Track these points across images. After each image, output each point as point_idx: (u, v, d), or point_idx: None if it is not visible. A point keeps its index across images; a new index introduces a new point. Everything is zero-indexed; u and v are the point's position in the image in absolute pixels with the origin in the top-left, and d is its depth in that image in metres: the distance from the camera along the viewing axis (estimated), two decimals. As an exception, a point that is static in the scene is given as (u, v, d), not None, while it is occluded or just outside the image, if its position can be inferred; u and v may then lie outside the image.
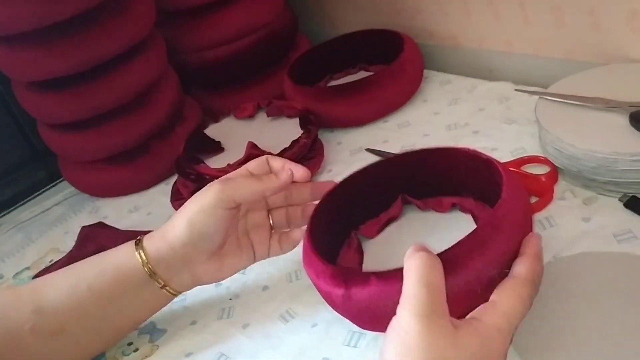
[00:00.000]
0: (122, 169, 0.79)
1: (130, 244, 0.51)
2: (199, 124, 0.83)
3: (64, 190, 0.89)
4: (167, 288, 0.51)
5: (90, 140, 0.76)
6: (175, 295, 0.52)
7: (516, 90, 0.69)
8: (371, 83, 0.76)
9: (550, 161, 0.58)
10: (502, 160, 0.61)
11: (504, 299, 0.37)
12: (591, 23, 0.65)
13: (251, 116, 0.80)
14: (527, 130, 0.66)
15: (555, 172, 0.57)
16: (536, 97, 0.62)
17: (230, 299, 0.57)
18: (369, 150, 0.73)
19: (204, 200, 0.48)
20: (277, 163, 0.52)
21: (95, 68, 0.71)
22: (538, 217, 0.54)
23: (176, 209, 0.56)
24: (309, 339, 0.50)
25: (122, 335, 0.54)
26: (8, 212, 0.88)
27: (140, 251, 0.50)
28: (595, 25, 0.65)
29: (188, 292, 0.59)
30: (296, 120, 0.75)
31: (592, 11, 0.64)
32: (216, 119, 0.82)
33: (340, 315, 0.50)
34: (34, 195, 0.91)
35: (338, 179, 0.69)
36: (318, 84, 0.89)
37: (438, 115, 0.76)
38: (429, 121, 0.75)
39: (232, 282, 0.59)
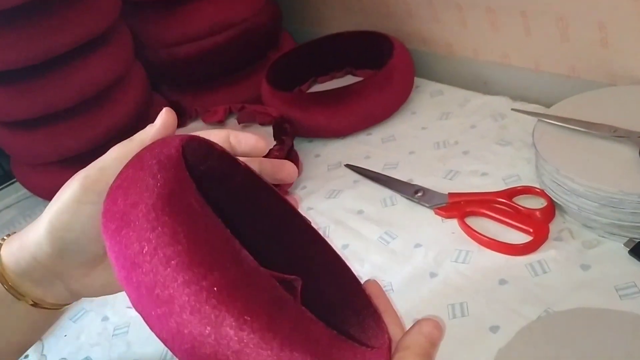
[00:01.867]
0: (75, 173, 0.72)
1: None
2: (167, 126, 0.76)
3: (18, 191, 0.82)
4: (44, 305, 0.38)
5: (41, 140, 0.69)
6: (60, 308, 0.39)
7: (513, 109, 0.62)
8: (355, 92, 0.69)
9: (547, 194, 0.51)
10: (493, 189, 0.55)
11: None
12: (599, 39, 0.58)
13: (221, 121, 0.73)
14: (523, 155, 0.59)
15: (552, 208, 0.51)
16: (535, 117, 0.55)
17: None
18: (348, 166, 0.66)
19: (65, 195, 0.34)
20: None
21: (47, 62, 0.64)
22: (530, 260, 0.47)
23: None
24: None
25: None
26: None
27: None
28: (604, 42, 0.58)
29: (132, 322, 0.53)
30: (269, 129, 0.68)
31: (601, 25, 0.57)
32: (183, 123, 0.74)
33: None
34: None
35: (312, 198, 0.63)
36: (300, 88, 0.82)
37: (426, 130, 0.69)
38: (416, 136, 0.69)
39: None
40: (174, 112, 0.36)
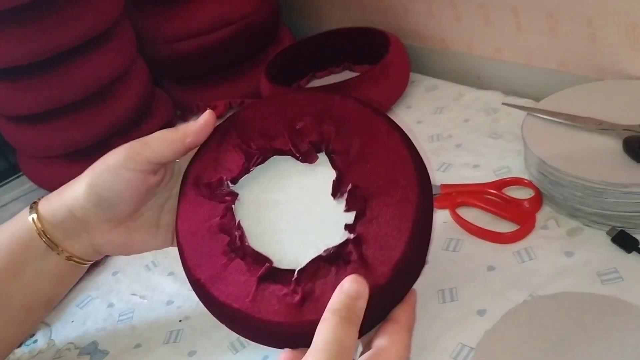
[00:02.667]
0: (81, 166, 0.73)
1: (25, 210, 0.44)
2: (169, 120, 0.78)
3: (24, 184, 0.84)
4: (71, 256, 0.44)
5: (46, 134, 0.71)
6: (85, 264, 0.46)
7: (503, 104, 0.64)
8: (352, 86, 0.71)
9: (534, 185, 0.53)
10: (484, 180, 0.57)
11: (394, 348, 0.34)
12: (588, 34, 0.60)
13: (221, 116, 0.75)
14: (513, 147, 0.61)
15: (539, 198, 0.53)
16: (524, 111, 0.57)
17: (180, 321, 0.53)
18: (345, 159, 0.68)
19: (110, 159, 0.40)
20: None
21: (53, 58, 0.66)
22: (517, 247, 0.49)
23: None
24: (257, 372, 0.46)
25: (37, 316, 0.47)
26: (-36, 205, 0.83)
27: (34, 216, 0.42)
28: (592, 37, 0.60)
29: (136, 309, 0.56)
30: (268, 123, 0.70)
31: (589, 22, 0.59)
32: (185, 118, 0.76)
33: None
34: (-5, 186, 0.87)
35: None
36: (299, 83, 0.84)
37: (421, 124, 0.71)
38: (412, 130, 0.70)
39: (185, 301, 0.55)
40: (214, 114, 0.42)
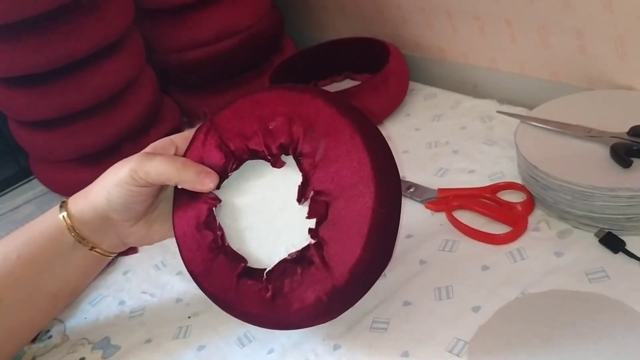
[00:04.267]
0: (91, 171, 0.75)
1: (56, 207, 0.49)
2: (176, 126, 0.81)
3: (35, 188, 0.86)
4: (97, 250, 0.49)
5: (59, 139, 0.74)
6: (110, 256, 0.51)
7: (498, 112, 0.67)
8: (353, 95, 0.74)
9: (526, 189, 0.56)
10: (479, 185, 0.59)
11: None
12: (578, 46, 0.63)
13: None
14: (507, 154, 0.64)
15: (531, 201, 0.56)
16: (517, 119, 0.60)
17: (189, 317, 0.55)
18: (346, 164, 0.71)
19: (118, 175, 0.46)
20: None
21: (66, 66, 0.69)
22: (509, 248, 0.52)
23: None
24: (263, 366, 0.49)
25: (62, 304, 0.52)
26: (-23, 207, 0.86)
27: (64, 214, 0.48)
28: (582, 49, 0.63)
29: (147, 306, 0.58)
30: (273, 130, 0.73)
31: (579, 34, 0.62)
32: (191, 124, 0.79)
33: (298, 341, 0.49)
34: (7, 190, 0.89)
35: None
36: (301, 90, 0.87)
37: (420, 131, 0.74)
38: (410, 137, 0.73)
39: (193, 299, 0.57)
40: (215, 183, 0.46)
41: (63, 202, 0.49)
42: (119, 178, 0.46)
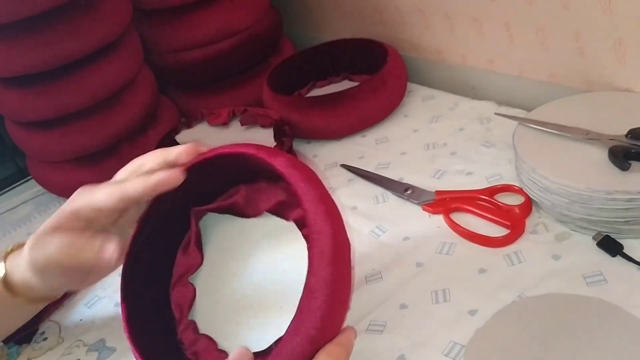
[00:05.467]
0: (89, 171, 0.76)
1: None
2: (174, 127, 0.80)
3: (33, 188, 0.86)
4: (45, 296, 0.48)
5: (56, 140, 0.73)
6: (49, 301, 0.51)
7: (496, 114, 0.67)
8: (351, 96, 0.74)
9: (524, 192, 0.56)
10: (477, 187, 0.59)
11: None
12: (576, 48, 0.63)
13: (225, 123, 0.78)
14: (505, 155, 0.63)
15: (529, 204, 0.55)
16: (515, 121, 0.60)
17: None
18: (344, 166, 0.71)
19: (26, 261, 0.43)
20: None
21: (63, 66, 0.68)
22: (507, 251, 0.52)
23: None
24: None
25: None
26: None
27: (3, 276, 0.46)
28: (580, 51, 0.62)
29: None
30: (270, 131, 0.73)
31: (578, 36, 0.62)
32: (189, 125, 0.79)
33: None
34: (4, 190, 0.89)
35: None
36: (300, 92, 0.87)
37: (418, 132, 0.74)
38: (408, 138, 0.73)
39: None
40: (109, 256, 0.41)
41: (4, 254, 0.48)
42: (33, 263, 0.43)
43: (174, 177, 0.41)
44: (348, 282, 0.37)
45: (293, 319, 0.34)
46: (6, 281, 0.46)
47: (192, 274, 0.48)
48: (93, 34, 0.69)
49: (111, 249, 0.40)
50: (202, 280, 0.48)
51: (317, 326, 0.34)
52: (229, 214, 0.48)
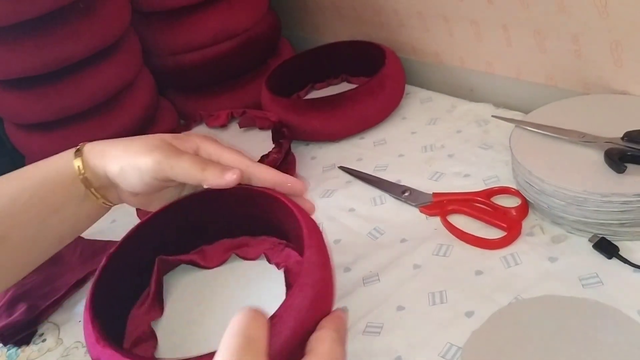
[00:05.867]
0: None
1: (71, 152, 0.48)
2: (173, 129, 0.81)
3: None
4: (105, 202, 0.49)
5: (55, 142, 0.74)
6: (112, 206, 0.51)
7: (493, 116, 0.67)
8: (349, 98, 0.74)
9: (521, 194, 0.56)
10: (474, 189, 0.59)
11: (321, 346, 0.34)
12: (573, 51, 0.63)
13: (223, 125, 0.78)
14: (502, 158, 0.64)
15: (525, 206, 0.56)
16: (512, 123, 0.60)
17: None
18: (342, 168, 0.71)
19: (140, 160, 0.45)
20: (232, 159, 0.46)
21: (63, 69, 0.69)
22: (503, 253, 0.52)
23: (141, 219, 0.52)
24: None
25: (63, 244, 0.52)
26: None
27: (80, 164, 0.47)
28: (577, 53, 0.63)
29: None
30: (269, 133, 0.73)
31: (575, 38, 0.62)
32: (188, 127, 0.79)
33: None
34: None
35: (309, 195, 0.68)
36: (298, 94, 0.87)
37: (415, 134, 0.74)
38: (406, 140, 0.73)
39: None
40: (238, 180, 0.44)
41: (78, 148, 0.49)
42: (139, 164, 0.45)
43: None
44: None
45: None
46: (85, 177, 0.47)
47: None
48: (92, 37, 0.70)
49: (231, 175, 0.44)
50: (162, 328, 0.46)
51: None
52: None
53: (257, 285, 0.46)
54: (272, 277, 0.45)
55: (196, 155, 0.47)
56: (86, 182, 0.47)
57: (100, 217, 0.52)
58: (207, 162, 0.45)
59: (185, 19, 0.80)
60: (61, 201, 0.48)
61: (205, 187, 0.44)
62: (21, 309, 0.60)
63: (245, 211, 0.47)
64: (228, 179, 0.44)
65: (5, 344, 0.58)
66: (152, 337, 0.45)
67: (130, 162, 0.45)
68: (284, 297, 0.36)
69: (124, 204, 0.51)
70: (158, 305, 0.47)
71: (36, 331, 0.59)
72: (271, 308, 0.35)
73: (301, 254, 0.39)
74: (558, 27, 0.63)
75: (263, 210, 0.46)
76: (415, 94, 0.82)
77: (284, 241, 0.47)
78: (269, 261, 0.47)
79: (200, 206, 0.48)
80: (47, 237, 0.50)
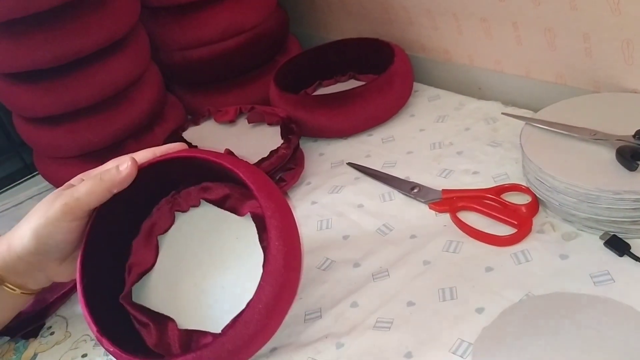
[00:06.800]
0: (95, 166, 0.76)
1: None
2: (180, 124, 0.81)
3: (38, 184, 0.87)
4: (23, 291, 0.50)
5: (63, 136, 0.74)
6: (35, 292, 0.51)
7: (503, 113, 0.67)
8: (357, 95, 0.74)
9: (531, 191, 0.56)
10: (483, 186, 0.59)
11: None
12: (584, 49, 0.63)
13: (232, 121, 0.78)
14: (512, 155, 0.64)
15: (536, 204, 0.55)
16: (523, 121, 0.60)
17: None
18: (350, 164, 0.71)
19: (49, 213, 0.46)
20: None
21: (72, 63, 0.69)
22: (514, 250, 0.52)
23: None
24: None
25: None
26: (-20, 203, 0.86)
27: None
28: (588, 52, 0.63)
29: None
30: (277, 129, 0.73)
31: (586, 37, 0.62)
32: (196, 122, 0.79)
33: (301, 340, 0.50)
34: (10, 186, 0.89)
35: (316, 193, 0.68)
36: (306, 90, 0.87)
37: (424, 132, 0.74)
38: (414, 137, 0.73)
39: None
40: (136, 164, 0.48)
41: None
42: (50, 216, 0.45)
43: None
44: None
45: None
46: None
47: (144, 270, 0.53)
48: (102, 31, 0.70)
49: (126, 164, 0.47)
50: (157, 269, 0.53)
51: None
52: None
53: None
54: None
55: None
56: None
57: (24, 305, 0.53)
58: (98, 172, 0.48)
59: (193, 14, 0.80)
60: None
61: (115, 191, 0.47)
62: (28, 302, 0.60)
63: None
64: (125, 171, 0.47)
65: (12, 337, 0.58)
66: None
67: (40, 224, 0.46)
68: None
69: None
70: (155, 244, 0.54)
71: (44, 324, 0.59)
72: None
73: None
74: (569, 25, 0.63)
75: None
76: (423, 91, 0.82)
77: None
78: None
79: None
80: None
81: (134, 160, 0.48)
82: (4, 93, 0.73)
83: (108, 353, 0.43)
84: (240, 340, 0.41)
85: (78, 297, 0.45)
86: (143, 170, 0.48)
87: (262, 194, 0.44)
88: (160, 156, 0.49)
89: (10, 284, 0.48)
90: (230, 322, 0.44)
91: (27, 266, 0.48)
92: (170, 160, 0.48)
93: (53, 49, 0.67)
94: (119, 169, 0.47)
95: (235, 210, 0.53)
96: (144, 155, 0.49)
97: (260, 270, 0.47)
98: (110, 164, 0.48)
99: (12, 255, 0.47)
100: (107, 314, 0.46)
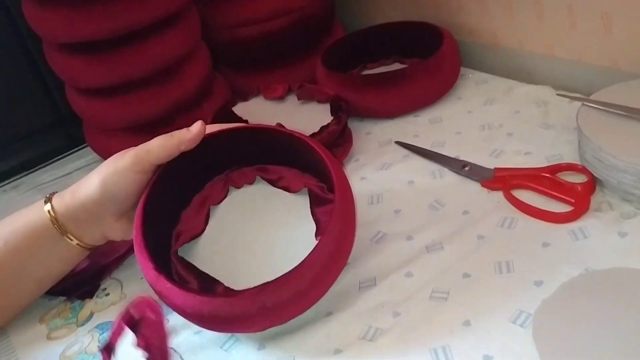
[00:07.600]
0: (145, 139, 0.76)
1: (41, 201, 0.52)
2: (227, 101, 0.82)
3: (85, 156, 0.88)
4: (80, 243, 0.52)
5: (116, 107, 0.75)
6: (90, 249, 0.54)
7: (558, 94, 0.67)
8: (406, 76, 0.74)
9: (588, 170, 0.56)
10: (537, 165, 0.59)
11: None
12: (642, 32, 0.62)
13: (281, 98, 0.78)
14: (565, 138, 0.63)
15: (592, 182, 0.55)
16: (575, 104, 0.60)
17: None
18: (398, 143, 0.71)
19: (119, 163, 0.49)
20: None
21: (128, 35, 0.70)
22: (571, 227, 0.52)
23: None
24: None
25: (46, 288, 0.56)
26: (28, 174, 0.88)
27: (49, 207, 0.51)
28: (647, 36, 0.62)
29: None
30: (327, 106, 0.73)
31: (645, 20, 0.61)
32: (245, 98, 0.80)
33: (358, 307, 0.50)
34: (54, 159, 0.91)
35: (365, 169, 0.69)
36: (351, 73, 0.88)
37: (472, 114, 0.74)
38: (462, 119, 0.73)
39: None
40: (204, 125, 0.50)
41: (48, 196, 0.52)
42: (119, 166, 0.48)
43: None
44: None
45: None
46: (56, 219, 0.51)
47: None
48: (157, 5, 0.71)
49: (197, 126, 0.50)
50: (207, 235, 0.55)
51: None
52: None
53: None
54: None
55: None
56: (58, 225, 0.51)
57: (80, 259, 0.55)
58: (173, 132, 0.50)
59: (244, -8, 0.81)
60: (35, 247, 0.51)
61: (183, 148, 0.49)
62: (83, 265, 0.62)
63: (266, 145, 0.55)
64: (195, 130, 0.49)
65: (69, 297, 0.60)
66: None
67: (109, 171, 0.49)
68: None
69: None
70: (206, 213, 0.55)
71: (99, 285, 0.61)
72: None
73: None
74: (627, 9, 0.62)
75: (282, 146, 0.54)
76: (470, 75, 0.82)
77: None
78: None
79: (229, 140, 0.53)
80: (25, 282, 0.54)
81: (203, 122, 0.50)
82: (59, 63, 0.75)
83: (160, 296, 0.45)
84: (303, 283, 0.43)
85: (134, 243, 0.47)
86: (204, 143, 0.50)
87: (333, 165, 0.49)
88: (233, 126, 0.51)
89: (71, 235, 0.51)
90: (296, 266, 0.44)
91: (87, 216, 0.51)
92: (242, 132, 0.51)
93: (111, 21, 0.68)
94: (189, 129, 0.49)
95: (287, 189, 0.55)
96: (212, 127, 0.52)
97: (312, 240, 0.49)
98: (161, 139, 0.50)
99: (76, 203, 0.50)
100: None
